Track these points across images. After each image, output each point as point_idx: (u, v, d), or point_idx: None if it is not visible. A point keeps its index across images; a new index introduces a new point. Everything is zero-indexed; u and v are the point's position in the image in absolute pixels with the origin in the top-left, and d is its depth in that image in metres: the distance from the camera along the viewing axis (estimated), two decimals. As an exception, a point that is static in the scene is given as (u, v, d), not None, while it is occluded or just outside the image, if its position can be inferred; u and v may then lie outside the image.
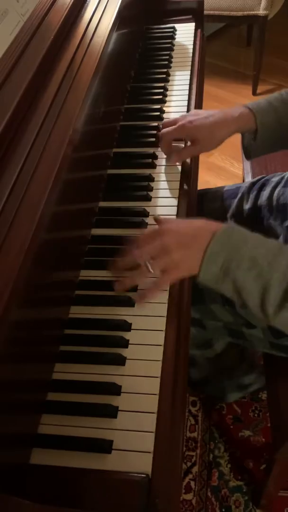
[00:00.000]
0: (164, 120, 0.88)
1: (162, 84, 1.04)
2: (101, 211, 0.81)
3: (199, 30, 1.20)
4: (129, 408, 0.57)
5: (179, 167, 0.86)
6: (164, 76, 1.07)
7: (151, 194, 0.82)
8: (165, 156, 0.88)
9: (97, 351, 0.62)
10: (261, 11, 2.09)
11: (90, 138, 0.73)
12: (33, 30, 0.71)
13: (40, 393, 0.59)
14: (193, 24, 1.21)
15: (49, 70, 0.69)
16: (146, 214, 0.78)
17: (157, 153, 0.89)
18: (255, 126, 0.81)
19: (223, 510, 1.15)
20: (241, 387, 1.25)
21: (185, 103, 1.00)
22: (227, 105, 2.34)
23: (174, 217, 0.78)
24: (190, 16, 1.23)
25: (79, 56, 0.73)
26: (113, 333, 0.63)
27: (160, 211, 0.79)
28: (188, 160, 0.88)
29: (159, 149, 0.89)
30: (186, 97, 1.01)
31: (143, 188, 0.82)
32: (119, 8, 0.87)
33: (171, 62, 1.11)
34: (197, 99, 1.02)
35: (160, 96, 1.01)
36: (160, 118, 0.97)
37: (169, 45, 1.16)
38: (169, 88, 1.04)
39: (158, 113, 0.97)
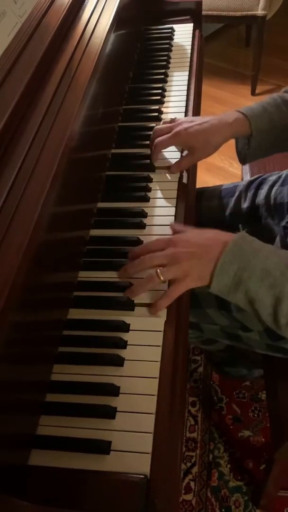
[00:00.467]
0: (156, 127, 0.87)
1: (160, 85, 1.04)
2: (100, 212, 0.81)
3: (197, 31, 1.20)
4: (127, 409, 0.56)
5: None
6: (163, 76, 1.07)
7: (150, 195, 0.82)
8: (164, 158, 0.88)
9: (95, 352, 0.62)
10: (259, 11, 2.09)
11: (88, 139, 0.73)
12: (31, 31, 0.71)
13: (38, 394, 0.59)
14: (191, 24, 1.21)
15: (47, 71, 0.69)
16: (144, 215, 0.78)
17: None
18: (249, 131, 0.81)
19: (223, 510, 1.15)
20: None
21: (183, 103, 1.00)
22: (226, 105, 2.34)
23: (173, 217, 0.78)
24: (188, 17, 1.23)
25: (77, 57, 0.73)
26: (111, 334, 0.63)
27: (158, 212, 0.79)
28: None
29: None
30: (185, 98, 1.01)
31: (141, 189, 0.82)
32: (117, 9, 0.87)
33: (169, 62, 1.12)
34: (196, 100, 1.02)
35: (159, 97, 1.02)
36: (158, 118, 0.97)
37: (167, 45, 1.16)
38: (168, 88, 1.04)
39: (156, 114, 0.97)
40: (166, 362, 0.60)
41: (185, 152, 0.86)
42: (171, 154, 0.89)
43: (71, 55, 0.73)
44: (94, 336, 0.64)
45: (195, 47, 1.15)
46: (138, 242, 0.74)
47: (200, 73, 1.11)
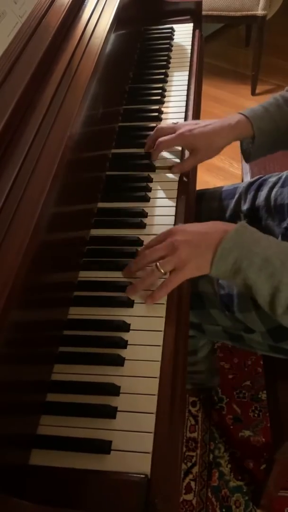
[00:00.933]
0: (158, 126, 0.88)
1: (160, 85, 1.05)
2: (100, 212, 0.81)
3: (197, 31, 1.20)
4: (128, 408, 0.57)
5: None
6: (163, 77, 1.07)
7: (150, 195, 0.82)
8: (164, 157, 0.88)
9: (96, 352, 0.62)
10: (259, 11, 2.09)
11: (88, 139, 0.73)
12: (31, 31, 0.71)
13: (39, 394, 0.59)
14: (191, 24, 1.21)
15: (47, 72, 0.69)
16: (144, 214, 0.78)
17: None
18: (252, 132, 0.82)
19: (224, 510, 1.15)
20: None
21: (184, 103, 1.00)
22: (226, 105, 2.34)
23: (173, 217, 0.78)
24: (188, 17, 1.23)
25: (77, 57, 0.73)
26: (112, 334, 0.63)
27: (158, 211, 0.79)
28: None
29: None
30: (185, 98, 1.01)
31: (141, 189, 0.82)
32: (117, 9, 0.87)
33: (169, 62, 1.12)
34: (196, 100, 1.02)
35: (159, 97, 1.02)
36: (158, 118, 0.97)
37: (167, 45, 1.16)
38: (168, 88, 1.04)
39: (156, 114, 0.97)
40: (166, 362, 0.60)
41: (187, 154, 0.86)
42: (172, 154, 0.89)
43: (71, 55, 0.73)
44: (94, 336, 0.64)
45: (195, 47, 1.15)
46: (138, 242, 0.74)
47: (200, 73, 1.11)
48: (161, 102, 1.01)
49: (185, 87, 1.04)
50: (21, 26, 0.71)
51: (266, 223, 0.89)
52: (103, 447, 0.54)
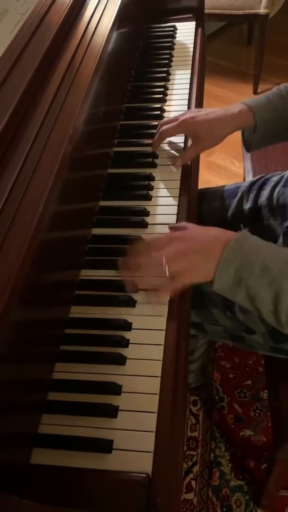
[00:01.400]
0: (164, 119, 0.89)
1: (162, 83, 1.04)
2: (102, 210, 0.80)
3: (199, 29, 1.20)
4: (129, 407, 0.56)
5: (180, 166, 0.86)
6: (165, 75, 1.07)
7: (152, 193, 0.82)
8: (165, 156, 0.88)
9: (97, 350, 0.62)
10: (262, 10, 2.09)
11: (90, 137, 0.73)
12: (33, 29, 0.71)
13: (40, 393, 0.59)
14: (194, 22, 1.21)
15: (49, 69, 0.69)
16: (146, 213, 0.78)
17: (157, 152, 0.88)
18: (254, 122, 0.82)
19: (224, 509, 1.14)
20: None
21: (186, 102, 1.00)
22: (227, 104, 2.33)
23: (175, 216, 0.78)
24: (190, 15, 1.22)
25: (79, 55, 0.73)
26: (113, 333, 0.63)
27: (160, 210, 0.79)
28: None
29: (160, 148, 0.88)
30: (187, 96, 1.01)
31: (143, 187, 0.82)
32: (119, 7, 0.86)
33: (171, 61, 1.11)
34: (198, 98, 1.01)
35: (161, 95, 1.01)
36: (160, 117, 0.96)
37: (170, 44, 1.16)
38: (170, 87, 1.04)
39: (158, 112, 0.97)
40: (168, 361, 0.60)
41: (189, 143, 0.86)
42: (173, 150, 0.89)
43: (73, 53, 0.73)
44: (96, 335, 0.64)
45: (198, 45, 1.15)
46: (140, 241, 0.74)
47: (202, 71, 1.11)
48: (163, 100, 1.01)
49: (187, 86, 1.03)
50: (23, 23, 0.71)
51: (268, 222, 0.89)
52: (104, 446, 0.54)
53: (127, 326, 0.64)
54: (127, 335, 0.63)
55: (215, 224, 0.68)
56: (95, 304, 0.67)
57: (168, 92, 1.03)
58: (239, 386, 1.35)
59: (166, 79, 1.06)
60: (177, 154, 0.88)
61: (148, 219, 0.77)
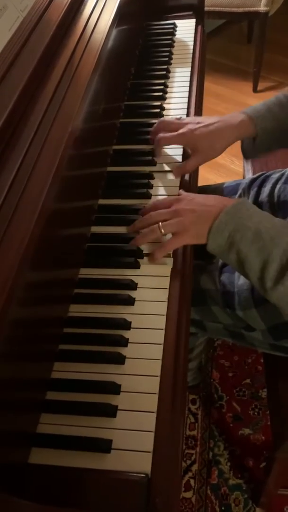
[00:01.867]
0: (162, 119, 0.87)
1: (162, 81, 1.04)
2: (101, 208, 0.80)
3: (199, 27, 1.19)
4: (128, 407, 0.56)
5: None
6: (164, 72, 1.06)
7: (151, 191, 0.81)
8: (166, 155, 0.87)
9: (96, 350, 0.61)
10: (262, 8, 2.08)
11: (89, 135, 0.73)
12: (32, 25, 0.70)
13: (39, 392, 0.58)
14: (194, 20, 1.20)
15: (48, 66, 0.69)
16: (146, 211, 0.78)
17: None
18: (255, 131, 0.81)
19: (223, 508, 1.14)
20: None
21: (186, 100, 0.99)
22: (227, 102, 2.33)
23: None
24: (190, 12, 1.22)
25: (78, 53, 0.73)
26: (112, 332, 0.63)
27: (160, 208, 0.78)
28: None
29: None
30: (187, 94, 1.00)
31: (143, 186, 0.82)
32: (119, 4, 0.86)
33: (171, 58, 1.11)
34: (198, 96, 1.01)
35: (160, 93, 1.01)
36: (160, 115, 0.96)
37: (170, 41, 1.15)
38: (170, 85, 1.04)
39: (158, 110, 0.97)
40: (167, 360, 0.60)
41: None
42: (174, 152, 0.88)
43: (72, 50, 0.72)
44: (95, 334, 0.63)
45: (198, 43, 1.14)
46: (139, 239, 0.73)
47: (202, 69, 1.10)
48: (163, 98, 1.00)
49: (187, 83, 1.03)
50: (22, 20, 0.70)
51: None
52: (103, 446, 0.53)
53: (126, 325, 0.64)
54: (126, 334, 0.63)
55: None
56: (94, 303, 0.67)
57: (168, 90, 1.02)
58: (238, 384, 1.35)
59: (166, 77, 1.05)
60: (177, 153, 0.88)
61: (147, 218, 0.77)
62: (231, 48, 2.77)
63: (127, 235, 0.74)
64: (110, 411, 0.56)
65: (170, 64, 1.09)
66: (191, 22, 1.20)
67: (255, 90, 2.41)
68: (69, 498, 0.50)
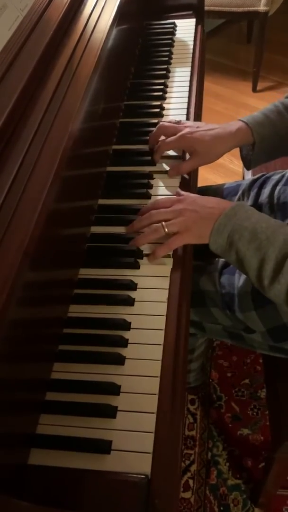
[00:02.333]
0: (161, 124, 0.87)
1: (162, 81, 1.04)
2: (100, 208, 0.80)
3: (199, 26, 1.19)
4: (128, 408, 0.56)
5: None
6: (164, 72, 1.06)
7: (151, 191, 0.81)
8: (165, 153, 0.87)
9: (96, 350, 0.61)
10: (261, 7, 2.08)
11: (89, 134, 0.73)
12: (32, 25, 0.70)
13: (38, 393, 0.58)
14: (194, 20, 1.20)
15: (48, 66, 0.68)
16: (145, 212, 0.78)
17: (157, 150, 0.88)
18: (252, 139, 0.82)
19: (222, 508, 1.14)
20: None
21: (185, 99, 0.99)
22: (226, 102, 2.33)
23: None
24: (190, 12, 1.22)
25: (78, 52, 0.72)
26: (112, 332, 0.63)
27: (160, 209, 0.78)
28: (188, 157, 0.87)
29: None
30: (187, 94, 1.00)
31: (142, 186, 0.82)
32: (119, 4, 0.86)
33: (171, 58, 1.11)
34: (197, 96, 1.01)
35: (160, 93, 1.01)
36: (160, 114, 0.96)
37: (169, 41, 1.15)
38: (169, 84, 1.04)
39: (158, 110, 0.97)
40: (167, 361, 0.60)
41: (187, 156, 0.86)
42: (174, 152, 0.88)
43: (72, 49, 0.72)
44: (95, 335, 0.63)
45: (197, 42, 1.14)
46: (139, 239, 0.73)
47: (202, 69, 1.10)
48: (162, 98, 1.00)
49: (187, 83, 1.03)
50: (22, 19, 0.70)
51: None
52: (103, 447, 0.53)
53: (126, 325, 0.64)
54: (126, 334, 0.63)
55: None
56: (93, 303, 0.67)
57: (168, 89, 1.02)
58: (237, 385, 1.35)
59: (166, 77, 1.05)
60: (177, 153, 0.88)
61: (147, 218, 0.77)
62: (231, 48, 2.76)
63: (127, 235, 0.74)
64: (110, 412, 0.56)
65: (170, 63, 1.09)
66: (191, 22, 1.20)
67: (254, 90, 2.41)
68: (68, 499, 0.50)
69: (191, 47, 1.13)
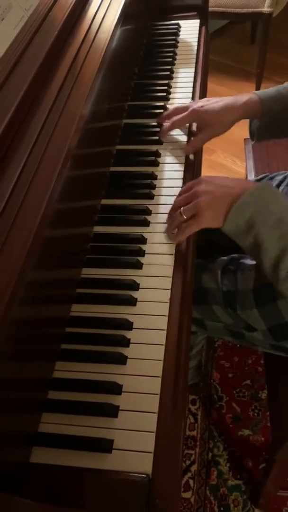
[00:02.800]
0: (174, 106, 0.91)
1: (166, 81, 1.04)
2: (104, 208, 0.80)
3: (203, 27, 1.19)
4: (130, 407, 0.56)
5: (182, 165, 0.86)
6: (168, 73, 1.06)
7: (154, 192, 0.81)
8: (168, 154, 0.87)
9: (98, 349, 0.62)
10: (265, 8, 2.08)
11: (93, 135, 0.73)
12: (37, 25, 0.70)
13: (40, 392, 0.58)
14: (198, 21, 1.21)
15: (53, 66, 0.69)
16: (148, 212, 0.78)
17: (160, 151, 0.88)
18: (261, 111, 0.84)
19: (222, 509, 1.15)
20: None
21: (189, 100, 0.99)
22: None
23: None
24: (195, 13, 1.22)
25: (83, 52, 0.73)
26: (114, 332, 0.63)
27: (163, 209, 0.79)
28: (191, 157, 0.88)
29: (163, 146, 0.88)
30: (190, 95, 1.00)
31: (145, 186, 0.82)
32: (124, 4, 0.86)
33: (175, 59, 1.11)
34: (201, 97, 1.01)
35: (164, 93, 1.01)
36: (163, 115, 0.96)
37: (173, 41, 1.15)
38: (173, 85, 1.04)
39: (161, 111, 0.96)
40: (169, 361, 0.60)
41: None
42: (178, 146, 0.89)
43: (77, 50, 0.73)
44: (97, 334, 0.63)
45: (201, 43, 1.14)
46: (142, 239, 0.74)
47: (206, 70, 1.10)
48: (166, 98, 1.00)
49: (191, 84, 1.03)
50: (27, 19, 0.70)
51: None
52: (104, 446, 0.53)
53: (128, 325, 0.64)
54: (128, 334, 0.63)
55: None
56: (96, 302, 0.67)
57: (172, 90, 1.02)
58: (238, 385, 1.35)
59: (170, 77, 1.05)
60: (180, 154, 0.88)
61: (150, 218, 0.77)
62: (234, 49, 2.76)
63: (129, 235, 0.75)
64: (112, 411, 0.56)
65: (174, 64, 1.09)
66: (195, 23, 1.20)
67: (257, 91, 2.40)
68: (70, 498, 0.50)
69: (195, 48, 1.13)
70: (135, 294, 0.67)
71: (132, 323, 0.64)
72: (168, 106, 0.98)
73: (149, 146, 0.89)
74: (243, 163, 1.87)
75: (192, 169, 0.86)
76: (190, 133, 0.90)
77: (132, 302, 0.66)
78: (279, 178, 0.91)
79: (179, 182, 0.83)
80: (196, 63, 1.09)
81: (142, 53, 1.13)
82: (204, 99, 0.88)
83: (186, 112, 0.86)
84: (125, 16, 0.86)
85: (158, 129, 0.91)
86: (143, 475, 0.51)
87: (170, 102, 1.00)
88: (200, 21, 1.21)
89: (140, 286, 0.68)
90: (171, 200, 0.80)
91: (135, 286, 0.68)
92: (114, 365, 0.60)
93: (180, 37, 1.18)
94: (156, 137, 0.90)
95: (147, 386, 0.58)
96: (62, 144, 0.59)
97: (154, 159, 0.86)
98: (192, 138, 0.88)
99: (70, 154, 0.59)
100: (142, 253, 0.72)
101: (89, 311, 0.66)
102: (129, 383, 0.58)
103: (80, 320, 0.66)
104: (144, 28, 1.19)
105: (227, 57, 2.66)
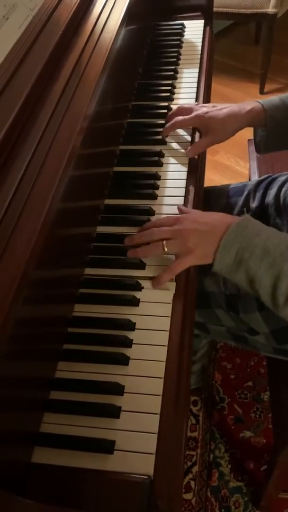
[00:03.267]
0: (179, 106, 0.92)
1: (170, 82, 1.04)
2: (107, 208, 0.80)
3: (208, 28, 1.19)
4: (132, 408, 0.56)
5: (186, 166, 0.86)
6: (172, 73, 1.06)
7: (157, 192, 0.81)
8: (172, 155, 0.87)
9: (100, 350, 0.61)
10: (270, 9, 2.07)
11: (97, 135, 0.73)
12: (41, 24, 0.70)
13: (42, 392, 0.58)
14: (202, 21, 1.20)
15: (57, 65, 0.69)
16: (152, 212, 0.78)
17: (163, 151, 0.88)
18: (265, 121, 0.84)
19: (223, 510, 1.14)
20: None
21: (193, 101, 0.99)
22: (234, 103, 2.32)
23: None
24: (199, 13, 1.22)
25: (87, 52, 0.73)
26: (117, 333, 0.63)
27: (166, 209, 0.78)
28: (195, 158, 0.87)
29: (166, 147, 0.88)
30: (194, 95, 1.00)
31: (149, 186, 0.82)
32: (128, 4, 0.86)
33: (179, 59, 1.11)
34: (205, 97, 1.01)
35: (168, 94, 1.01)
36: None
37: (178, 42, 1.15)
38: (177, 85, 1.04)
39: (165, 111, 0.96)
40: (171, 362, 0.60)
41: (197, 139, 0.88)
42: (180, 149, 0.89)
43: (81, 50, 0.73)
44: (99, 334, 0.63)
45: (206, 44, 1.14)
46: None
47: (210, 70, 1.10)
48: (170, 99, 1.00)
49: (195, 84, 1.03)
50: (32, 19, 0.70)
51: (275, 222, 0.88)
52: (106, 446, 0.53)
53: (131, 326, 0.64)
54: (131, 335, 0.63)
55: None
56: (99, 303, 0.67)
57: (176, 90, 1.02)
58: (240, 387, 1.35)
59: (174, 78, 1.05)
60: (183, 155, 0.88)
61: (153, 219, 0.77)
62: (239, 50, 2.76)
63: (132, 235, 0.74)
64: (114, 412, 0.56)
65: (178, 64, 1.09)
66: (200, 23, 1.20)
67: (262, 92, 2.40)
68: (71, 498, 0.50)
69: (199, 48, 1.13)
70: (138, 294, 0.67)
71: (135, 323, 0.64)
72: (172, 106, 0.98)
73: (152, 147, 0.89)
74: (246, 164, 1.87)
75: (195, 170, 0.86)
76: (193, 136, 0.90)
77: (135, 302, 0.66)
78: (282, 178, 0.91)
79: (183, 183, 0.83)
80: (200, 63, 1.09)
81: (146, 53, 1.13)
82: (209, 104, 0.89)
83: (190, 116, 0.86)
84: (130, 16, 0.86)
85: (162, 130, 0.91)
86: (145, 476, 0.51)
87: (174, 102, 0.99)
88: (205, 21, 1.20)
89: (142, 287, 0.68)
90: (175, 200, 0.80)
91: (138, 287, 0.68)
92: (116, 366, 0.60)
93: (185, 37, 1.17)
94: (160, 137, 0.90)
95: (149, 387, 0.58)
96: (66, 143, 0.59)
97: (157, 160, 0.86)
98: (194, 143, 0.88)
99: (74, 154, 0.59)
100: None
101: (92, 311, 0.66)
102: (131, 384, 0.58)
103: (82, 320, 0.65)
104: (148, 28, 1.19)
105: (231, 57, 2.65)
